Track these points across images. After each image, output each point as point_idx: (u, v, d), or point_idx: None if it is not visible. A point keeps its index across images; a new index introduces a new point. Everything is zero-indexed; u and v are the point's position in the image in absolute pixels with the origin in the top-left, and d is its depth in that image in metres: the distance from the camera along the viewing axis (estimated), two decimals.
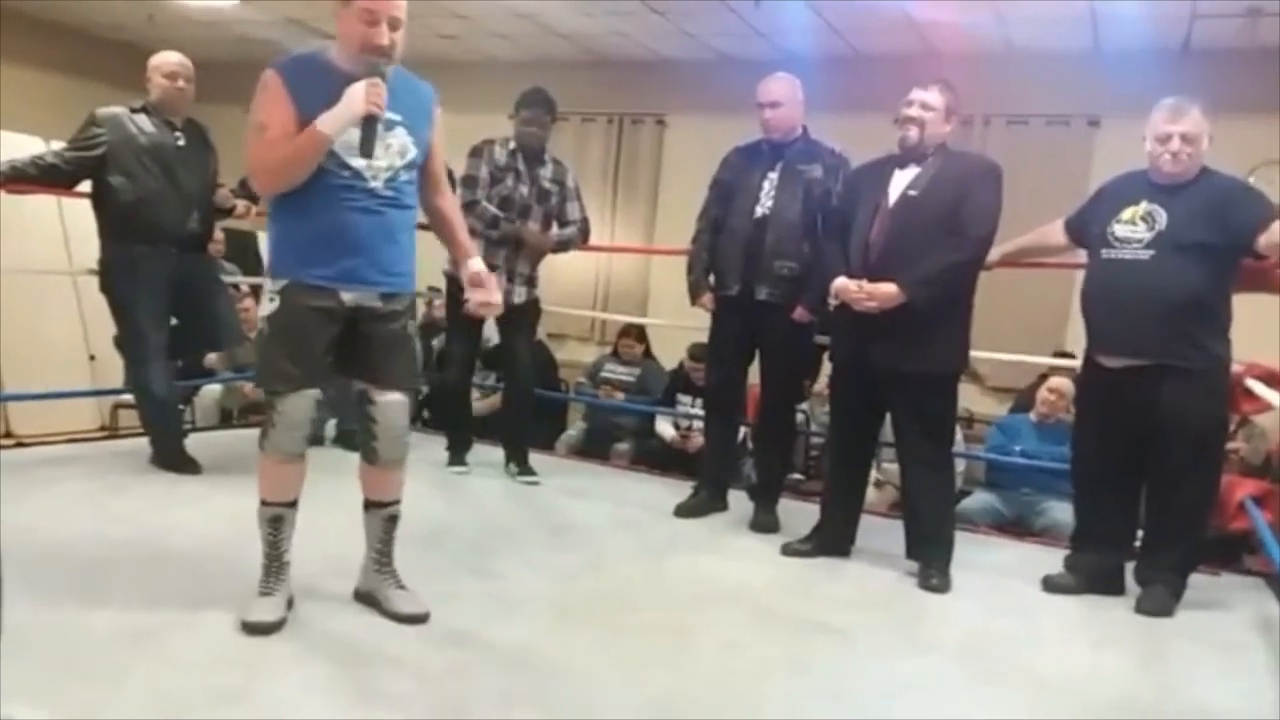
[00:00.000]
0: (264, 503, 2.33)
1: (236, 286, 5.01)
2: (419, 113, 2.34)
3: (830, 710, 2.14)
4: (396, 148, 2.28)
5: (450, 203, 2.52)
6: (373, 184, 2.25)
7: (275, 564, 2.34)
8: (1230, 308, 2.94)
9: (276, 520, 2.33)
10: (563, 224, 4.08)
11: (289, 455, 2.31)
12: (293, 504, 2.35)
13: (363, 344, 2.33)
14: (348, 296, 2.27)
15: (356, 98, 2.16)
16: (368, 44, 2.19)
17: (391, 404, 2.35)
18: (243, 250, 6.47)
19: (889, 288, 2.96)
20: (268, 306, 2.29)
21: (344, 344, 2.32)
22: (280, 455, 2.30)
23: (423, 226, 2.49)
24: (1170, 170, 2.91)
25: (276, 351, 2.27)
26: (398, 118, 2.27)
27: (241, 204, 3.90)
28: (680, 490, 3.89)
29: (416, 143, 2.31)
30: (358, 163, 2.23)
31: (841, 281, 3.08)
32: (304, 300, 2.25)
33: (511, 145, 4.00)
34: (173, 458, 3.66)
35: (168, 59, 3.65)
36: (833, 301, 3.13)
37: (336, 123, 2.16)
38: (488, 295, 2.40)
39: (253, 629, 2.21)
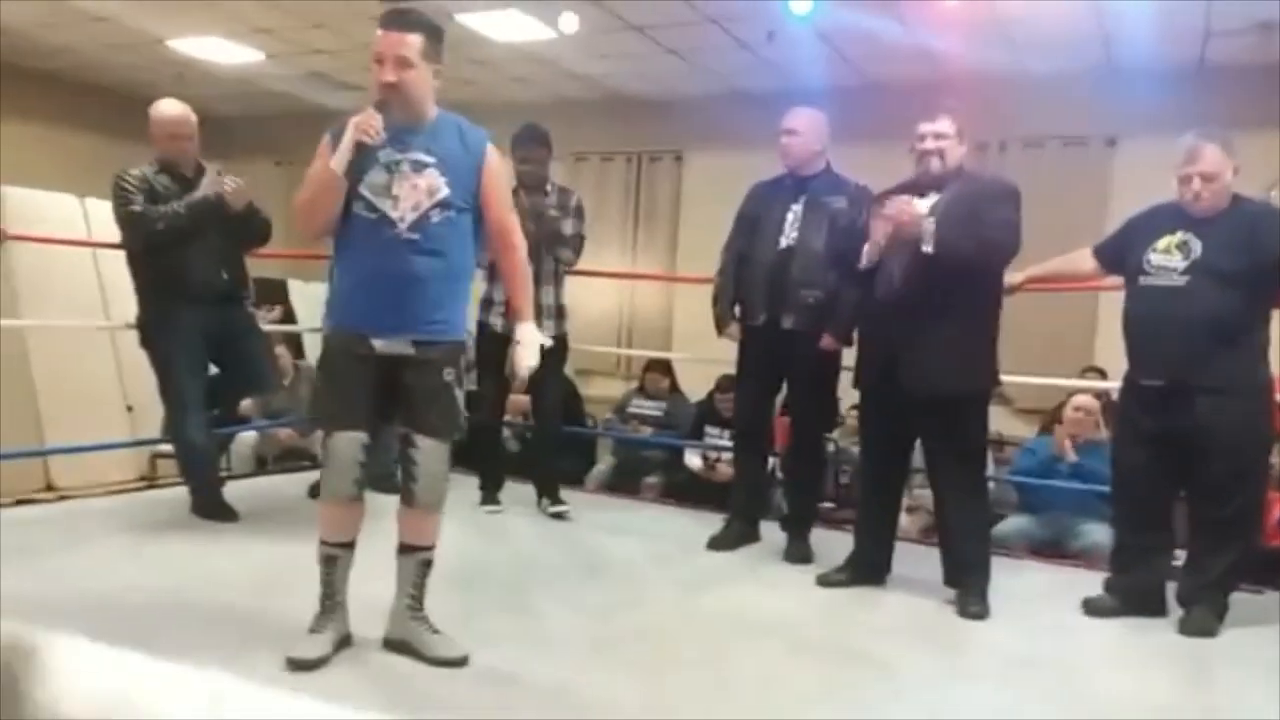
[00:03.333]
0: (320, 542, 2.40)
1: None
2: (461, 156, 2.38)
3: None
4: (424, 187, 2.31)
5: (511, 260, 2.51)
6: (399, 226, 2.29)
7: (327, 602, 2.38)
8: (1268, 330, 2.99)
9: (329, 560, 2.38)
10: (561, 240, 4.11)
11: (340, 496, 2.36)
12: (347, 545, 2.39)
13: (402, 391, 2.37)
14: (379, 344, 2.32)
15: (348, 128, 2.28)
16: (376, 82, 2.31)
17: (431, 449, 2.38)
18: (273, 297, 6.58)
19: (922, 209, 3.00)
20: (322, 351, 2.41)
21: (386, 389, 2.36)
22: (332, 496, 2.37)
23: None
24: (1195, 210, 2.99)
25: (322, 391, 2.39)
26: (430, 160, 2.33)
27: (229, 182, 3.64)
28: (711, 522, 3.89)
29: (452, 185, 2.34)
30: (383, 204, 2.29)
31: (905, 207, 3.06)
32: (343, 346, 2.34)
33: (512, 184, 4.07)
34: (212, 507, 3.71)
35: (168, 115, 3.64)
36: (883, 224, 3.09)
37: (339, 156, 2.28)
38: (521, 359, 2.49)
39: (295, 664, 2.24)
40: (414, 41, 2.30)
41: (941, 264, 2.98)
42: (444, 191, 2.33)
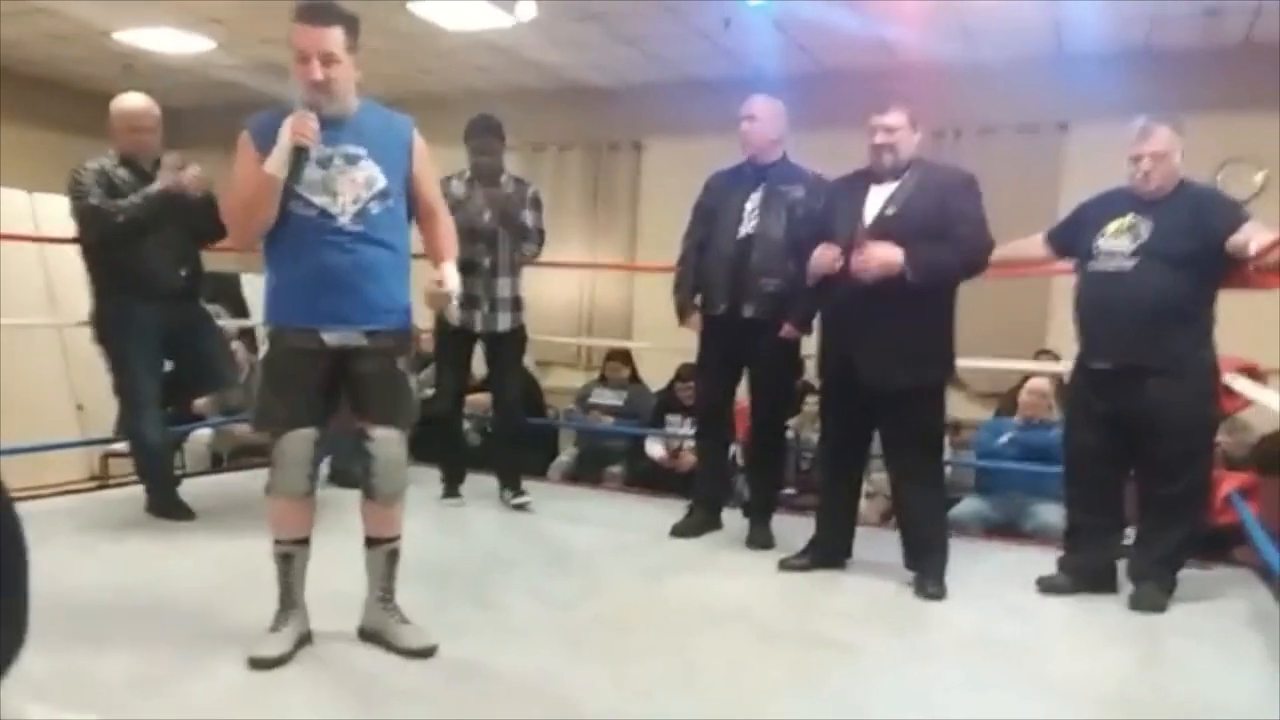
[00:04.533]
0: (275, 541, 2.37)
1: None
2: (392, 144, 2.37)
3: None
4: (362, 180, 2.30)
5: (440, 224, 2.51)
6: (341, 219, 2.28)
7: (287, 600, 2.36)
8: (1213, 311, 3.07)
9: (286, 558, 2.36)
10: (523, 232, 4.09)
11: (293, 494, 2.34)
12: (303, 541, 2.37)
13: (353, 382, 2.36)
14: (329, 337, 2.30)
15: (285, 131, 2.23)
16: (302, 80, 2.26)
17: (388, 439, 2.37)
18: (226, 292, 6.48)
19: (892, 252, 2.98)
20: (262, 350, 2.35)
21: (337, 382, 2.35)
22: (285, 494, 2.34)
23: (420, 255, 2.53)
24: (1144, 188, 3.06)
25: (268, 393, 2.33)
26: (361, 151, 2.31)
27: (189, 172, 3.61)
28: (674, 511, 3.92)
29: (387, 173, 2.33)
30: (321, 200, 2.27)
31: (826, 253, 3.10)
32: (289, 343, 2.30)
33: (467, 175, 4.05)
34: (167, 505, 3.66)
35: (130, 108, 3.59)
36: (814, 277, 3.15)
37: (275, 159, 2.24)
38: (440, 286, 2.45)
39: (256, 663, 2.24)
40: (336, 35, 2.26)
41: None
42: (381, 182, 2.32)
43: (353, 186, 2.29)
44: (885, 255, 2.98)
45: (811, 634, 2.73)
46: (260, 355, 2.35)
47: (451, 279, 2.48)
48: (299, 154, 2.24)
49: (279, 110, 2.31)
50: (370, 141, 2.32)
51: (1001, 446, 4.57)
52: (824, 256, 3.12)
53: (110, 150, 3.59)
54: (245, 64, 7.16)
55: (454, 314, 2.49)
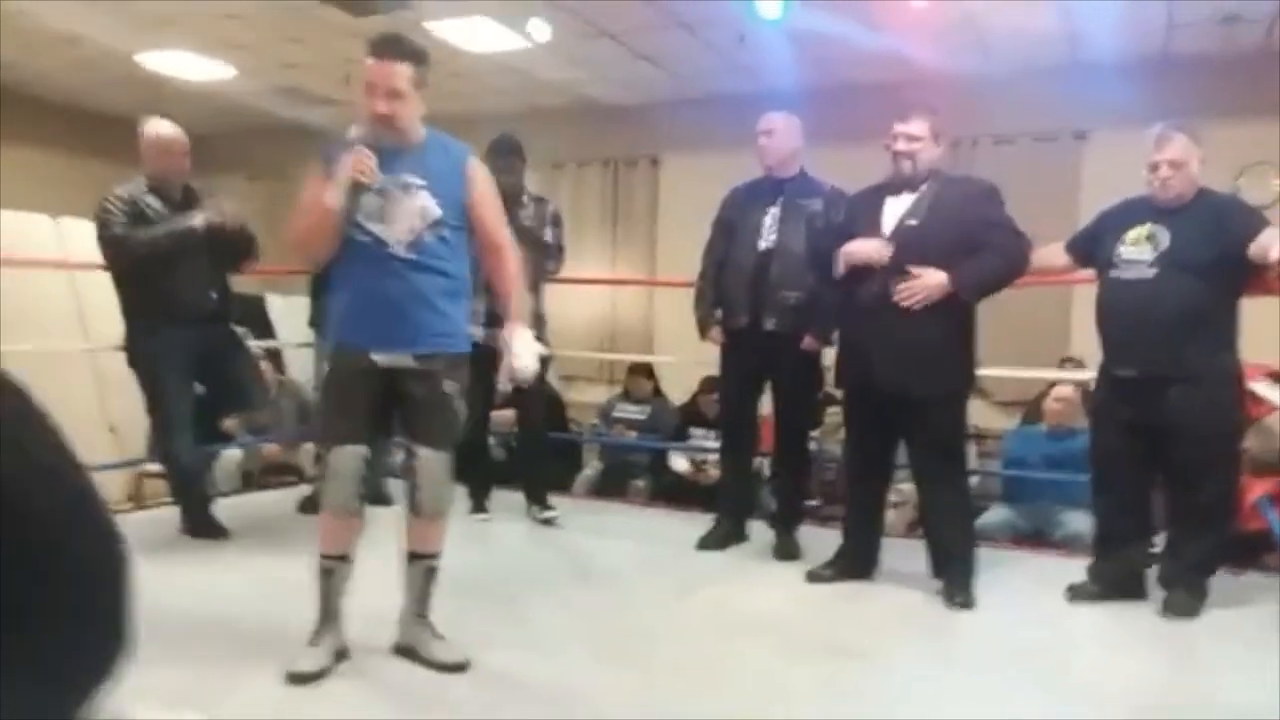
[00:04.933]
0: (321, 556, 2.42)
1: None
2: (448, 174, 2.43)
3: None
4: (416, 210, 2.37)
5: (504, 263, 2.54)
6: (395, 248, 2.36)
7: (325, 615, 2.40)
8: (1235, 318, 3.07)
9: (327, 573, 2.41)
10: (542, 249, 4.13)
11: (339, 509, 2.40)
12: (344, 558, 2.41)
13: (402, 402, 2.43)
14: (380, 359, 2.38)
15: (344, 167, 2.33)
16: (369, 113, 2.35)
17: (433, 459, 2.44)
18: (251, 314, 6.55)
19: (936, 275, 3.00)
20: (325, 369, 2.49)
21: (387, 402, 2.42)
22: (332, 509, 2.40)
23: None
24: (1163, 197, 3.07)
25: (327, 410, 2.46)
26: (419, 181, 2.38)
27: (229, 208, 3.70)
28: (700, 523, 3.93)
29: (443, 204, 2.40)
30: (376, 228, 2.34)
31: (869, 245, 3.09)
32: (345, 363, 2.40)
33: None
34: (203, 525, 3.71)
35: (161, 134, 3.64)
36: (839, 271, 3.14)
37: (333, 192, 2.33)
38: (519, 367, 2.50)
39: (294, 678, 2.28)
40: (405, 71, 2.33)
41: (916, 264, 3.04)
42: (436, 213, 2.39)
43: (407, 216, 2.36)
44: (931, 282, 3.01)
45: (839, 644, 2.74)
46: (324, 374, 2.50)
47: (522, 352, 2.49)
48: (355, 189, 2.34)
49: (355, 137, 2.41)
50: (429, 172, 2.39)
51: (1036, 460, 4.55)
52: (866, 247, 3.10)
53: (139, 176, 3.65)
54: (266, 89, 7.27)
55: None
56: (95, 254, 3.71)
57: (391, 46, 2.34)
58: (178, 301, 3.59)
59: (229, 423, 5.24)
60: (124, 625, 0.45)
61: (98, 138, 7.85)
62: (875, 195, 3.24)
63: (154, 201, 3.60)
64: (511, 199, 4.08)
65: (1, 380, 0.43)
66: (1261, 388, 3.14)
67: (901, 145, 3.14)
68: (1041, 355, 5.60)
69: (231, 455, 5.43)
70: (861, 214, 3.25)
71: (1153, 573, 3.18)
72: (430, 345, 2.40)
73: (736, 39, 5.73)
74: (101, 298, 3.81)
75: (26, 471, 0.41)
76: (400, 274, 2.36)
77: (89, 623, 0.43)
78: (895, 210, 3.16)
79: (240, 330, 5.14)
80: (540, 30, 5.54)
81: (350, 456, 2.38)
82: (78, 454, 0.45)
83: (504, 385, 2.61)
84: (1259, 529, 3.47)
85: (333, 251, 2.40)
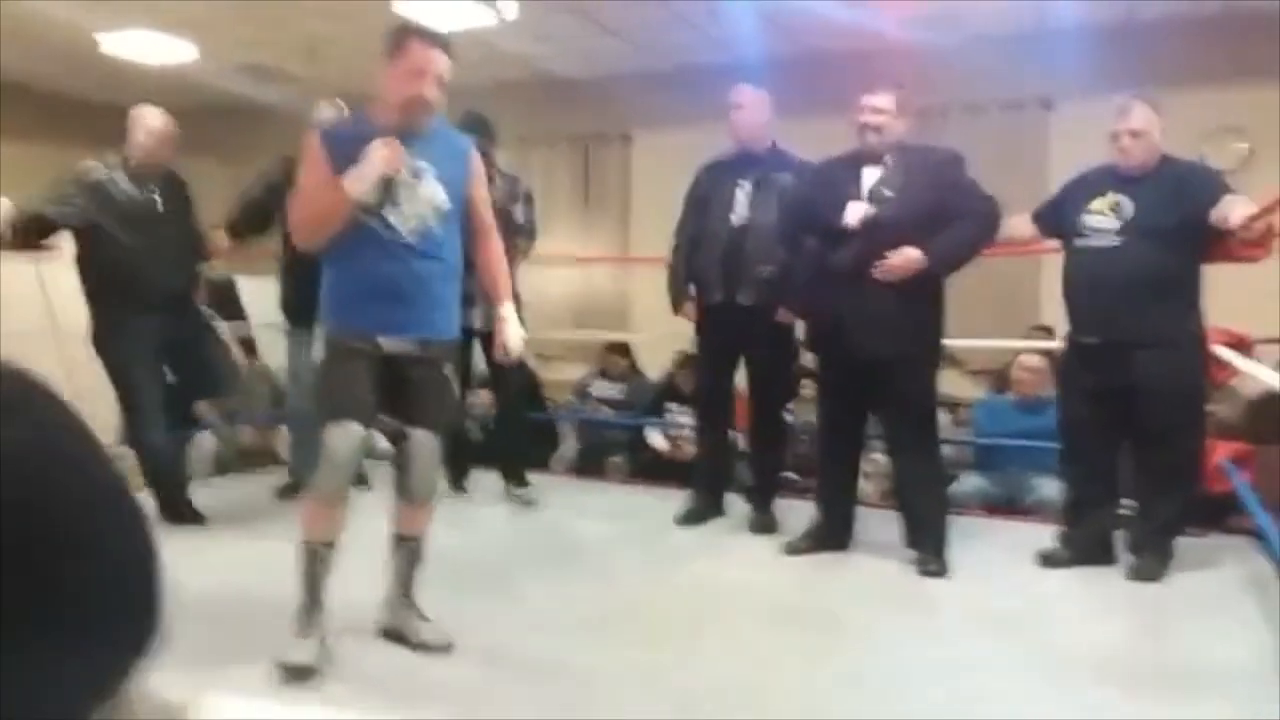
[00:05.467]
0: (306, 541, 2.38)
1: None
2: (454, 162, 2.44)
3: (849, 699, 2.22)
4: (425, 197, 2.37)
5: (492, 247, 2.61)
6: (405, 236, 2.34)
7: (313, 604, 2.37)
8: (1199, 283, 3.11)
9: (314, 559, 2.38)
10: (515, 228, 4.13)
11: (332, 495, 2.38)
12: (331, 545, 2.40)
13: (401, 386, 2.42)
14: (385, 343, 2.37)
15: (375, 159, 2.28)
16: (410, 96, 2.31)
17: (426, 443, 2.45)
18: (222, 298, 6.48)
19: (912, 252, 3.04)
20: (319, 352, 2.43)
21: (386, 387, 2.41)
22: (324, 495, 2.38)
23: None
24: (1126, 165, 3.10)
25: (328, 389, 2.41)
26: (426, 165, 2.37)
27: (221, 239, 3.89)
28: (677, 499, 3.96)
29: (450, 192, 2.41)
30: (387, 213, 2.33)
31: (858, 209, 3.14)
32: (347, 346, 2.38)
33: None
34: (178, 510, 3.70)
35: (151, 116, 3.64)
36: (851, 223, 3.16)
37: (358, 183, 2.28)
38: (511, 335, 2.58)
39: (291, 671, 2.26)
40: (449, 64, 2.36)
41: (893, 234, 3.07)
42: (444, 202, 2.39)
43: (416, 202, 2.35)
44: (906, 260, 3.04)
45: (816, 613, 2.79)
46: (317, 357, 2.44)
47: (514, 332, 2.59)
48: (386, 181, 2.31)
49: (354, 122, 2.42)
50: (436, 158, 2.39)
51: (1005, 432, 4.60)
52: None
53: (118, 157, 3.62)
54: (227, 69, 7.17)
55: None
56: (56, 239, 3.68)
57: (441, 36, 2.38)
58: (142, 286, 3.56)
59: (202, 408, 5.20)
60: (157, 605, 0.47)
61: (65, 125, 7.71)
62: (842, 167, 3.25)
63: (124, 187, 3.57)
64: None
65: (24, 373, 0.45)
66: (1225, 352, 3.20)
67: (869, 118, 3.16)
68: (1012, 324, 5.65)
69: (206, 440, 5.39)
70: (836, 181, 3.26)
71: (1120, 537, 3.24)
72: (434, 331, 2.43)
73: (706, 11, 5.70)
74: (66, 280, 3.76)
75: (60, 461, 0.43)
76: (407, 260, 2.35)
77: (124, 604, 0.45)
78: (866, 180, 3.19)
79: (208, 313, 5.12)
80: (508, 6, 5.48)
81: (349, 436, 2.34)
82: (102, 443, 0.47)
83: (500, 358, 2.62)
84: (1224, 491, 3.55)
85: (335, 235, 2.35)
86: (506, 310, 2.59)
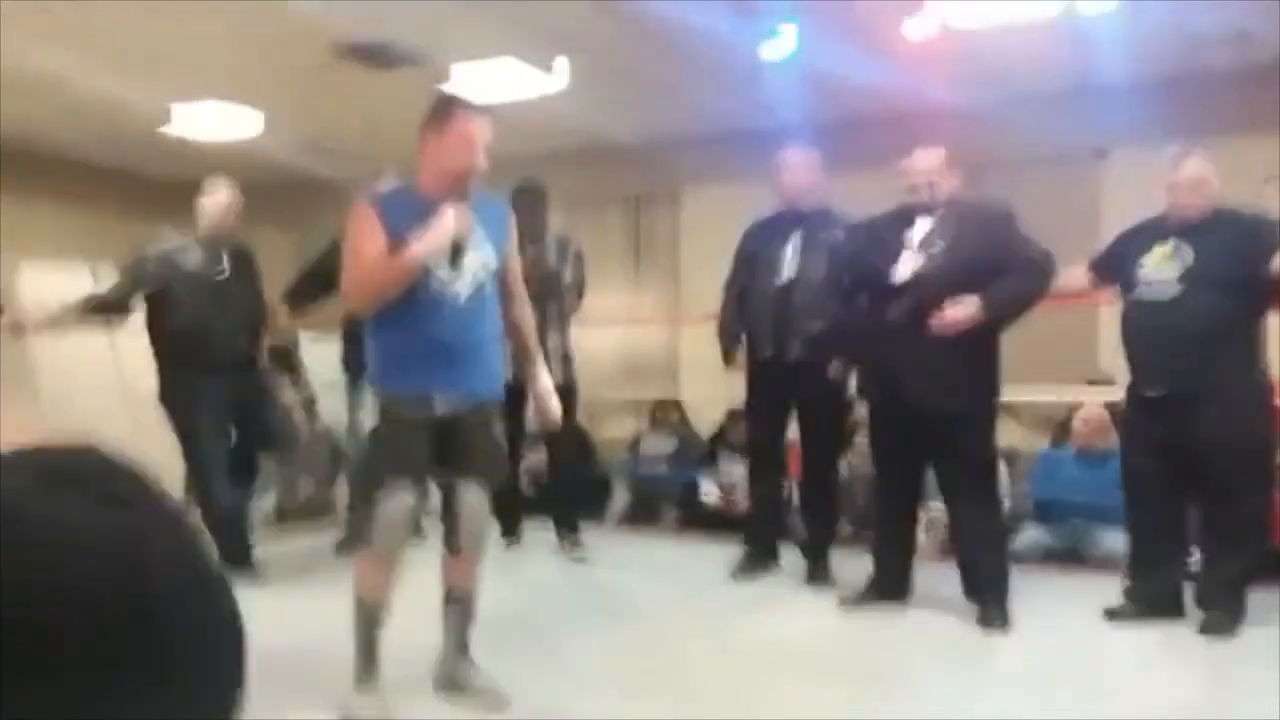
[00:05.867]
0: (361, 601, 2.41)
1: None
2: (496, 225, 2.51)
3: None
4: (479, 261, 2.43)
5: (525, 316, 2.66)
6: (460, 299, 2.39)
7: (370, 659, 2.40)
8: (1262, 333, 3.07)
9: (370, 618, 2.40)
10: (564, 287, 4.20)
11: (389, 554, 2.41)
12: (384, 603, 2.42)
13: (451, 444, 2.45)
14: (440, 405, 2.40)
15: (448, 224, 2.34)
16: (467, 168, 2.38)
17: (477, 499, 2.48)
18: (283, 360, 6.65)
19: (967, 308, 3.04)
20: (370, 416, 2.47)
21: (436, 447, 2.44)
22: (381, 554, 2.41)
23: None
24: (1183, 214, 3.09)
25: (379, 458, 2.43)
26: (479, 231, 2.43)
27: (283, 315, 4.08)
28: (731, 552, 3.93)
29: (496, 254, 2.47)
30: (444, 275, 2.37)
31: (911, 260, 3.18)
32: (402, 410, 2.40)
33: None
34: (240, 566, 3.77)
35: (218, 191, 3.85)
36: (904, 275, 3.17)
37: (429, 248, 2.33)
38: (547, 410, 2.64)
39: None
40: (491, 133, 2.44)
41: (945, 287, 3.08)
42: (494, 262, 2.46)
43: (472, 266, 2.41)
44: (962, 314, 3.04)
45: (874, 670, 2.74)
46: (371, 422, 2.47)
47: (551, 394, 2.67)
48: (458, 247, 2.37)
49: (397, 190, 2.50)
50: (481, 221, 2.44)
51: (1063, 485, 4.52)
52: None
53: (189, 234, 3.82)
54: (290, 145, 7.45)
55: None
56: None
57: (486, 109, 2.46)
58: (210, 349, 3.69)
59: (263, 467, 5.31)
60: (242, 682, 0.51)
61: (131, 198, 8.07)
62: (892, 221, 3.28)
63: (195, 255, 3.76)
64: (533, 240, 4.17)
65: (124, 463, 0.49)
66: None
67: (921, 179, 3.21)
68: (1069, 375, 5.57)
69: (266, 497, 5.49)
70: (884, 236, 3.29)
71: (1190, 590, 3.15)
72: (485, 391, 2.47)
73: (747, 77, 5.81)
74: (136, 346, 3.94)
75: (162, 548, 0.46)
76: (462, 322, 2.39)
77: (216, 684, 0.49)
78: (918, 231, 3.21)
79: (273, 377, 5.27)
80: (563, 70, 5.64)
81: (402, 504, 2.38)
82: (201, 542, 0.51)
83: (535, 425, 2.66)
84: None
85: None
86: (544, 379, 2.66)
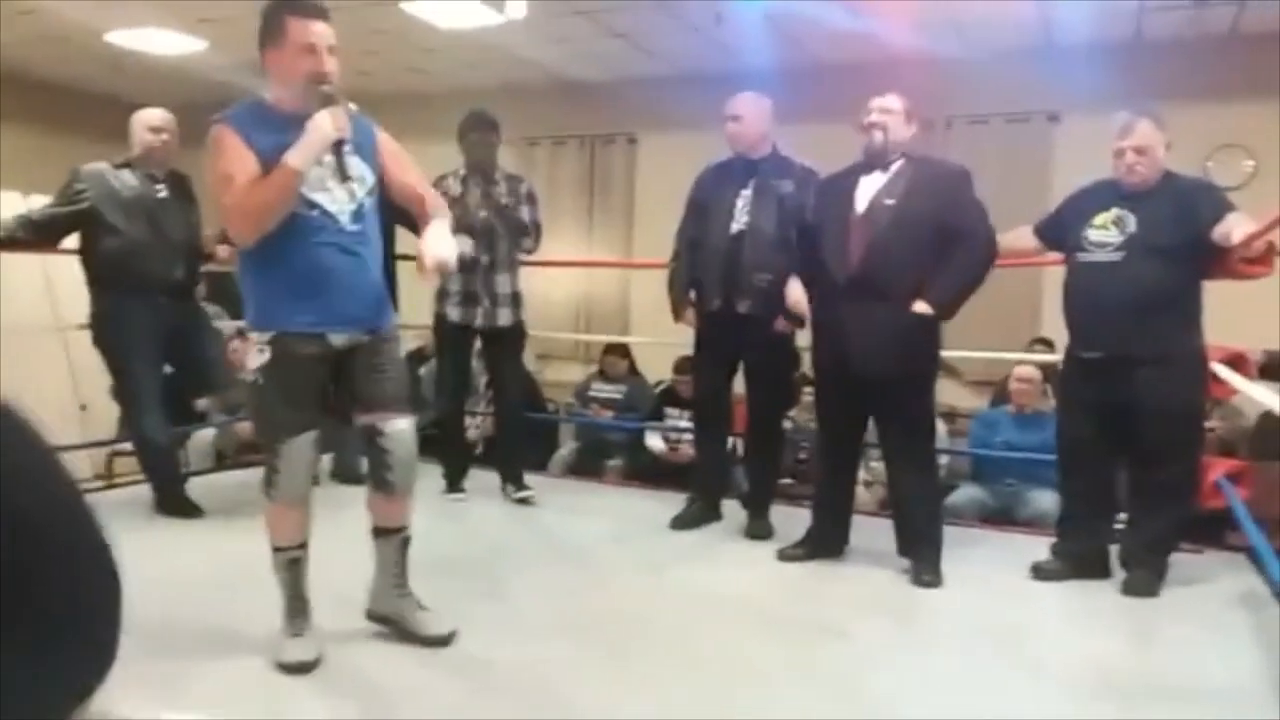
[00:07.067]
0: (277, 549, 2.37)
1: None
2: (366, 143, 2.38)
3: (838, 711, 2.22)
4: (357, 177, 2.31)
5: (429, 204, 2.46)
6: (343, 220, 2.28)
7: (299, 604, 2.38)
8: (1200, 300, 3.11)
9: (294, 563, 2.38)
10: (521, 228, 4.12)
11: (296, 499, 2.35)
12: (304, 545, 2.40)
13: (358, 377, 2.36)
14: (337, 339, 2.31)
15: (324, 125, 2.19)
16: (314, 74, 2.21)
17: (402, 433, 2.40)
18: (223, 291, 6.50)
19: (919, 307, 3.07)
20: (257, 358, 2.27)
21: (334, 381, 2.36)
22: (288, 500, 2.34)
23: (404, 258, 2.56)
24: (1129, 181, 3.11)
25: (274, 401, 2.29)
26: (350, 150, 2.29)
27: (223, 249, 3.95)
28: (674, 503, 3.96)
29: (371, 170, 2.36)
30: (320, 198, 2.24)
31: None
32: (294, 348, 2.26)
33: (461, 173, 4.08)
34: (175, 503, 3.71)
35: (151, 114, 3.71)
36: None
37: (306, 153, 2.17)
38: (433, 249, 2.33)
39: (291, 668, 2.27)
40: (331, 32, 2.26)
41: (893, 249, 3.08)
42: (370, 179, 2.34)
43: (347, 184, 2.27)
44: (916, 314, 3.07)
45: (810, 622, 2.79)
46: (256, 364, 2.27)
47: (440, 240, 2.36)
48: (338, 148, 2.21)
49: (251, 106, 2.29)
50: (352, 139, 2.29)
51: (998, 445, 4.62)
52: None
53: (122, 155, 3.68)
54: (236, 63, 7.18)
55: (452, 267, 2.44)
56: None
57: (319, 9, 2.25)
58: (142, 276, 3.58)
59: (202, 403, 5.22)
60: (115, 635, 0.47)
61: (69, 114, 7.73)
62: (846, 178, 3.26)
63: (128, 177, 3.63)
64: (485, 174, 4.08)
65: None
66: (1223, 369, 3.20)
67: (876, 116, 3.18)
68: (1012, 336, 5.66)
69: (205, 434, 5.40)
70: (833, 195, 3.28)
71: (1115, 550, 3.24)
72: (379, 318, 2.38)
73: (713, 18, 5.71)
74: (71, 276, 3.80)
75: (21, 486, 0.43)
76: (348, 248, 2.28)
77: (81, 633, 0.45)
78: (868, 189, 3.19)
79: (214, 309, 5.13)
80: (516, 8, 5.49)
81: (305, 446, 2.30)
82: (67, 466, 0.47)
83: (428, 270, 2.33)
84: (1219, 508, 3.55)
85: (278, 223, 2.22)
86: (436, 223, 2.39)
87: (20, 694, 0.40)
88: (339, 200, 2.27)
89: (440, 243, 2.35)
